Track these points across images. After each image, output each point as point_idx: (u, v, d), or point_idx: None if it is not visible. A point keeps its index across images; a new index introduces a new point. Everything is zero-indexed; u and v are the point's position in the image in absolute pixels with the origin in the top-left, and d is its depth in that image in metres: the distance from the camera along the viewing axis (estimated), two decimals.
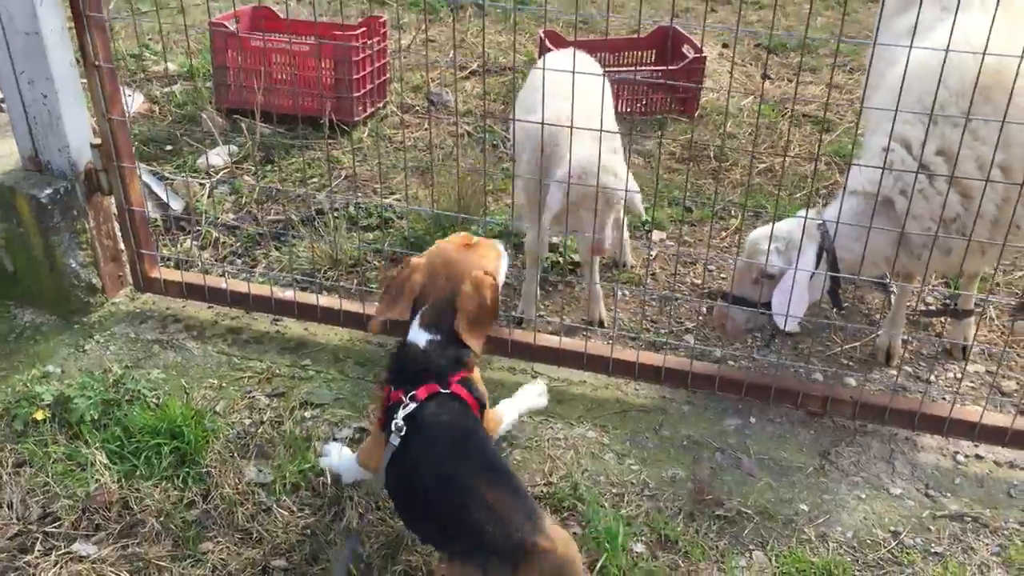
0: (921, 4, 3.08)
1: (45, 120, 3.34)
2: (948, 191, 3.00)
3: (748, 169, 5.29)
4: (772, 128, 5.96)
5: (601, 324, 3.92)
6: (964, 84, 2.99)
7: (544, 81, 3.07)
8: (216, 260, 4.27)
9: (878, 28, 3.99)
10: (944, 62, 2.82)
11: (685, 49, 6.18)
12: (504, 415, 2.91)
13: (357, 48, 5.50)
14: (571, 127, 3.04)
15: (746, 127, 5.94)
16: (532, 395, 3.08)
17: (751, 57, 7.33)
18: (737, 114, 6.14)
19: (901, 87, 2.89)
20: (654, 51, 6.38)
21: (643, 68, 6.18)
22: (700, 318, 4.04)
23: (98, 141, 3.44)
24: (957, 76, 2.99)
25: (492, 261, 2.71)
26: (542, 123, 3.11)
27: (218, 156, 5.33)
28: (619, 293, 4.17)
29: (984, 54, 2.73)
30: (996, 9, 2.87)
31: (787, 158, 5.47)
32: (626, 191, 3.32)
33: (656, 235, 4.70)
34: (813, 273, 3.16)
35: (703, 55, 5.94)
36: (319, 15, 7.44)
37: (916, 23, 2.95)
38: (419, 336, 2.56)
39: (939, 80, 2.84)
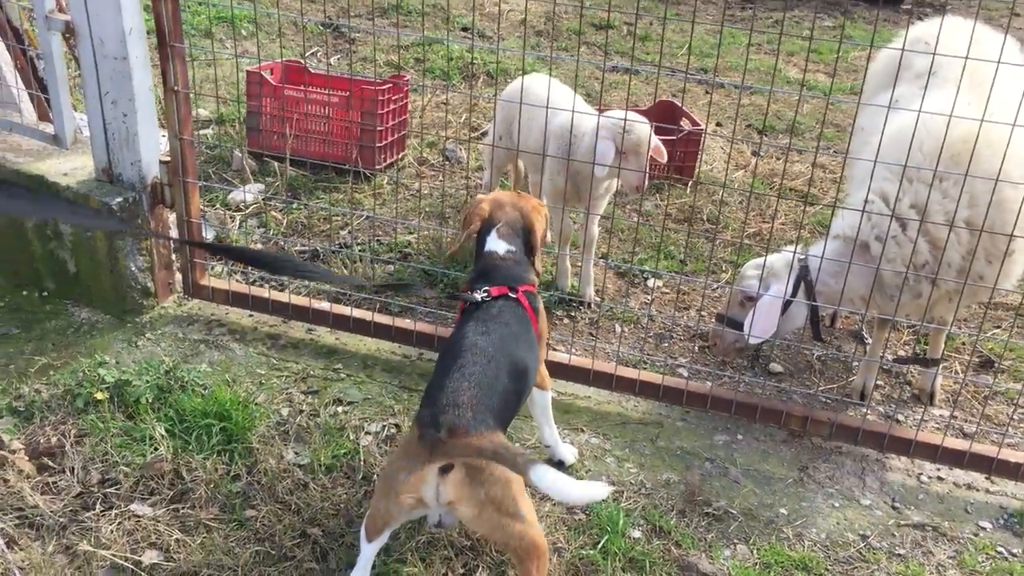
0: (897, 81, 3.58)
1: (122, 136, 3.75)
2: (918, 238, 3.44)
3: (740, 231, 5.76)
4: (761, 199, 6.45)
5: (589, 306, 4.68)
6: (936, 149, 3.46)
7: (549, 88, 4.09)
8: (246, 283, 4.64)
9: (859, 101, 4.49)
10: (915, 129, 3.30)
11: (683, 123, 6.70)
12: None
13: (383, 102, 5.98)
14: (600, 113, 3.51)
15: (737, 196, 6.43)
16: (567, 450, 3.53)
17: (743, 136, 7.88)
18: (730, 184, 6.63)
19: (877, 152, 3.36)
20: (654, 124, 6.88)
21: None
22: (692, 355, 4.44)
23: (167, 158, 3.85)
24: (931, 142, 3.46)
25: (541, 205, 3.34)
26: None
27: (249, 193, 5.74)
28: (619, 329, 4.57)
29: (950, 116, 3.18)
30: (958, 86, 3.37)
31: (774, 224, 5.95)
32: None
33: (654, 283, 5.12)
34: (790, 301, 3.59)
35: (700, 127, 6.46)
36: (339, 72, 7.95)
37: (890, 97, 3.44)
38: (498, 245, 3.13)
39: (911, 144, 3.31)
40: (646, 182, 4.27)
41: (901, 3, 11.97)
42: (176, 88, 3.70)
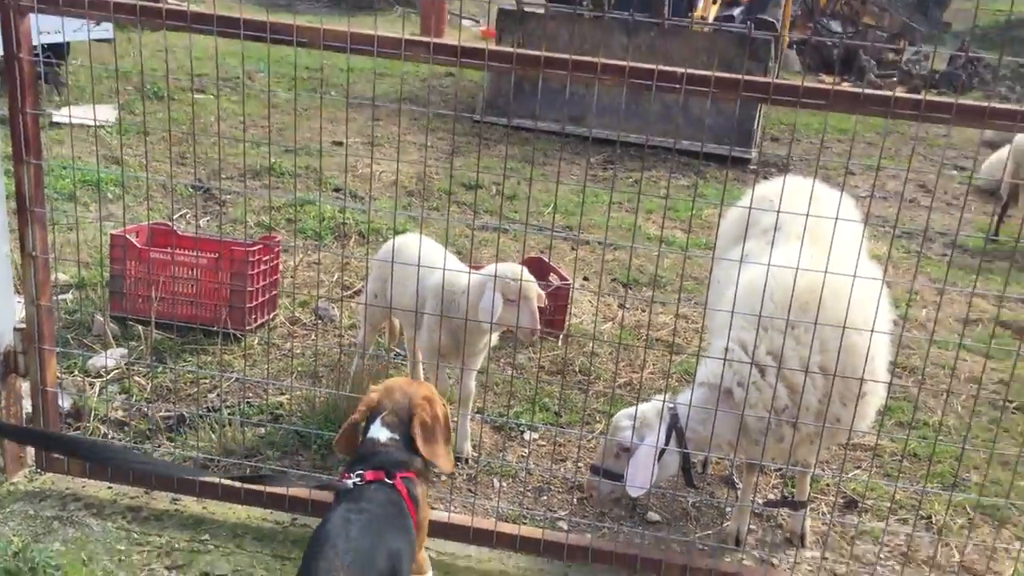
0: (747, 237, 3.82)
1: None
2: (776, 384, 3.61)
3: (611, 380, 5.89)
4: (630, 349, 6.64)
5: (467, 461, 4.64)
6: (786, 298, 3.68)
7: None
8: None
9: (713, 256, 4.76)
10: (766, 282, 3.52)
11: (552, 277, 6.92)
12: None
13: (254, 263, 5.97)
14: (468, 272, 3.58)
15: (607, 347, 6.60)
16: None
17: (609, 289, 8.17)
18: (599, 336, 6.82)
19: (733, 303, 3.56)
20: None
21: None
22: (571, 507, 4.43)
23: (23, 325, 3.70)
24: (780, 292, 3.69)
25: (434, 399, 3.23)
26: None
27: (110, 358, 5.54)
28: (497, 484, 4.54)
29: (796, 268, 3.41)
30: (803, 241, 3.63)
31: (643, 374, 6.13)
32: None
33: (530, 435, 5.15)
34: (664, 449, 3.67)
35: (568, 282, 6.68)
36: (207, 233, 7.90)
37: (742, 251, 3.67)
38: (380, 432, 3.03)
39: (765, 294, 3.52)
40: (539, 326, 4.38)
41: (748, 163, 12.88)
42: (34, 254, 3.60)
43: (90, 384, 5.18)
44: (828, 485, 4.92)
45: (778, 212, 3.79)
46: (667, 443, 3.76)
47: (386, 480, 2.89)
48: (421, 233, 4.74)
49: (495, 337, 4.78)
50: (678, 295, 7.09)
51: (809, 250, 3.78)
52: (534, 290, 4.37)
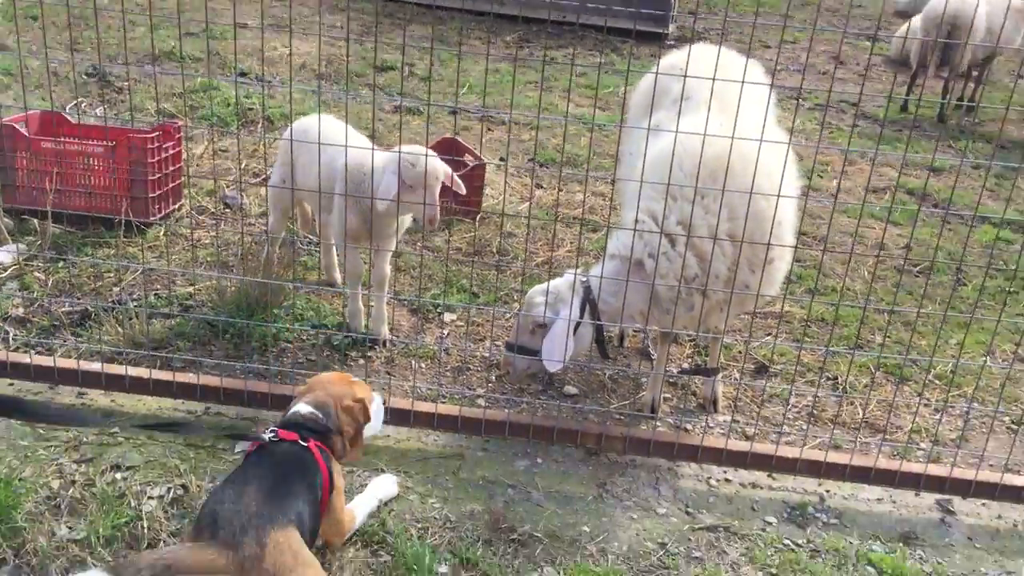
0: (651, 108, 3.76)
1: None
2: (686, 253, 3.62)
3: (524, 260, 5.88)
4: (547, 228, 6.62)
5: (384, 344, 4.59)
6: (695, 167, 3.66)
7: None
8: (11, 349, 4.26)
9: (621, 128, 4.71)
10: (674, 151, 3.48)
11: (467, 158, 6.80)
12: (357, 513, 3.21)
13: (152, 150, 5.71)
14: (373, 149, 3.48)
15: (523, 227, 6.57)
16: (384, 487, 3.43)
17: (525, 170, 8.09)
18: (515, 216, 6.77)
19: (642, 174, 3.52)
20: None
21: None
22: (489, 384, 4.46)
23: None
24: (689, 161, 3.66)
25: (365, 393, 3.18)
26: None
27: (6, 254, 5.30)
28: (415, 365, 4.53)
29: (704, 135, 3.38)
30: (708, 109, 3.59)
31: (559, 251, 6.13)
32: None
33: (448, 316, 5.13)
34: (578, 323, 3.68)
35: (482, 161, 6.57)
36: (111, 123, 7.53)
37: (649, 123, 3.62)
38: (303, 408, 2.99)
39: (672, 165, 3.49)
40: (438, 215, 4.24)
41: (665, 38, 12.74)
42: None
43: None
44: (739, 352, 5.04)
45: (684, 78, 3.74)
46: (581, 316, 3.77)
47: (299, 441, 2.86)
48: (320, 113, 4.55)
49: (408, 219, 4.68)
50: (586, 170, 7.16)
51: (717, 118, 3.74)
52: (437, 174, 4.21)
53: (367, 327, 4.74)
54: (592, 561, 3.26)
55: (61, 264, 5.17)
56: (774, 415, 4.42)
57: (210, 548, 2.34)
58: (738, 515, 3.59)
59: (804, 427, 4.29)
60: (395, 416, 3.75)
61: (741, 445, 3.75)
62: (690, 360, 4.93)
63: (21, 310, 4.76)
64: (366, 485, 3.42)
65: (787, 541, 3.46)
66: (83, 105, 8.60)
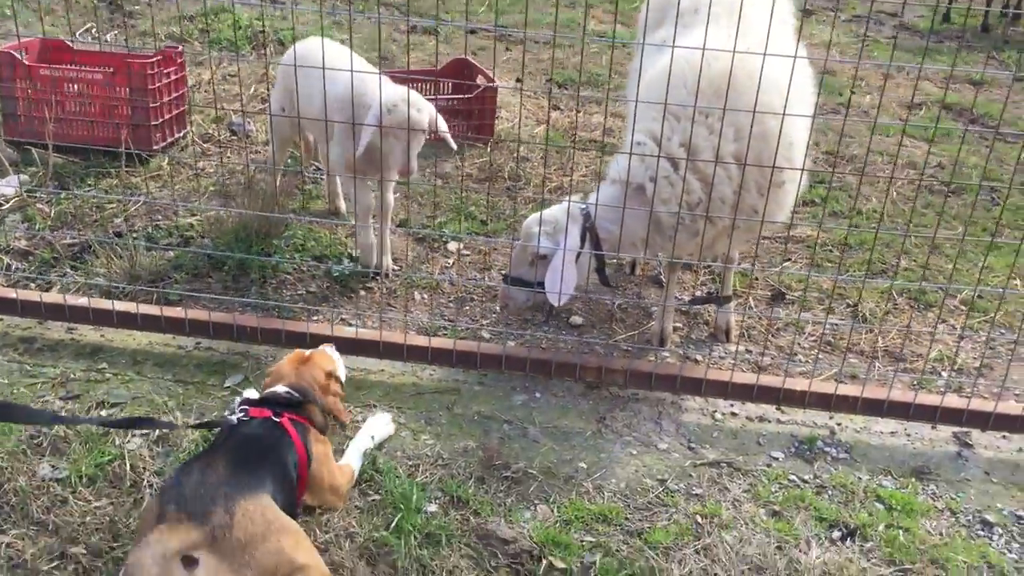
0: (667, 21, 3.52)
1: None
2: (686, 175, 3.41)
3: (541, 185, 5.68)
4: (562, 152, 6.40)
5: (387, 275, 4.50)
6: (701, 86, 3.43)
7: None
8: (7, 285, 4.20)
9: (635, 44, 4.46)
10: (672, 67, 3.26)
11: (480, 80, 6.56)
12: (353, 463, 3.10)
13: (153, 76, 5.55)
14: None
15: (538, 151, 6.35)
16: (378, 426, 3.32)
17: (543, 91, 7.82)
18: (530, 140, 6.55)
19: (637, 93, 3.30)
20: (451, 83, 6.72)
21: (440, 97, 6.48)
22: (493, 316, 4.33)
23: None
24: (692, 78, 3.43)
25: (330, 364, 3.10)
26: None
27: (9, 186, 5.22)
28: (418, 296, 4.41)
29: (703, 50, 3.15)
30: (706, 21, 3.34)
31: (574, 176, 5.92)
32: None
33: (453, 245, 4.98)
34: (579, 253, 3.51)
35: (494, 84, 6.33)
36: (114, 48, 7.37)
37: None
38: (279, 389, 2.90)
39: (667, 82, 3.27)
40: (414, 167, 4.06)
41: None
42: None
43: None
44: (757, 279, 4.85)
45: None
46: (581, 246, 3.59)
47: (272, 418, 2.75)
48: (322, 37, 4.35)
49: (417, 147, 4.41)
50: (606, 92, 6.88)
51: (727, 32, 3.50)
52: (418, 123, 3.98)
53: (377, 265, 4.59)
54: (588, 498, 3.15)
55: (63, 196, 5.08)
56: (790, 345, 4.24)
57: (178, 526, 2.23)
58: (743, 450, 3.46)
59: (820, 357, 4.13)
60: (388, 351, 3.64)
61: (747, 377, 3.59)
62: (704, 288, 4.75)
63: (24, 242, 4.69)
64: (359, 424, 3.33)
65: (792, 477, 3.32)
66: (93, 31, 8.45)
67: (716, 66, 3.34)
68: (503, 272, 4.13)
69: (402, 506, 2.97)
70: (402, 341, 3.61)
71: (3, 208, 5.00)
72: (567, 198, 3.66)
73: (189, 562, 2.17)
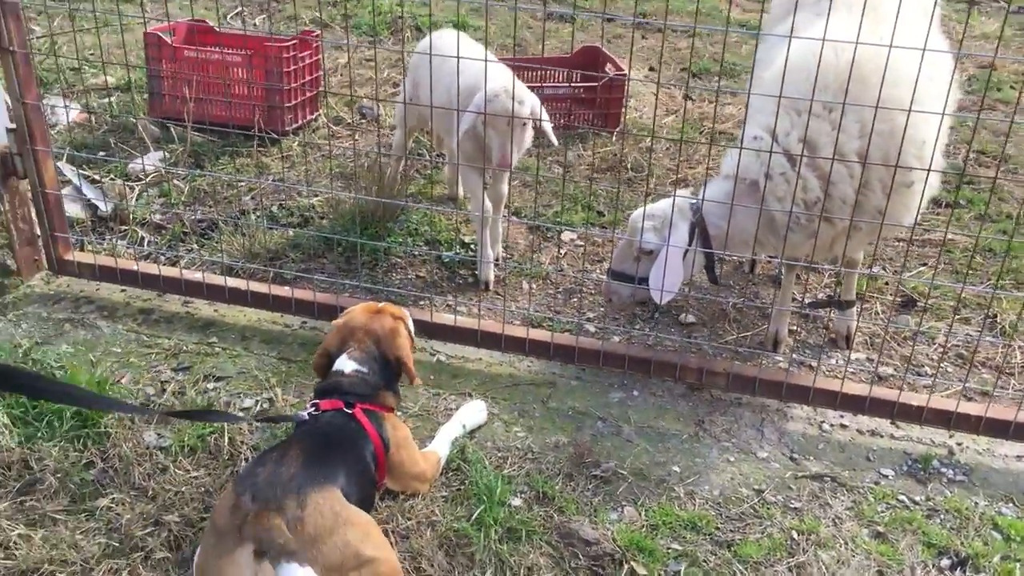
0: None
1: None
2: (802, 171, 3.23)
3: (665, 178, 5.54)
4: (690, 144, 6.22)
5: (496, 264, 4.39)
6: (826, 79, 3.24)
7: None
8: (140, 257, 4.39)
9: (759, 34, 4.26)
10: (786, 59, 3.08)
11: (608, 68, 6.45)
12: (440, 450, 3.09)
13: (288, 60, 5.70)
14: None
15: (666, 143, 6.20)
16: (471, 414, 3.31)
17: (677, 80, 7.63)
18: (658, 131, 6.40)
19: (750, 84, 3.14)
20: (579, 72, 6.62)
21: (566, 85, 6.40)
22: (601, 309, 4.24)
23: (13, 125, 3.59)
24: (820, 72, 3.23)
25: (399, 312, 3.10)
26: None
27: (150, 162, 5.47)
28: (526, 286, 4.37)
29: (822, 40, 2.96)
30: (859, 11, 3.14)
31: (701, 169, 5.74)
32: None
33: (567, 235, 4.91)
34: (687, 249, 3.38)
35: (622, 73, 6.20)
36: (260, 31, 7.64)
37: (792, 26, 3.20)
38: (345, 364, 2.89)
39: (783, 76, 3.09)
40: (509, 159, 3.90)
41: None
42: (12, 48, 3.42)
43: (130, 188, 5.14)
44: (887, 284, 4.58)
45: None
46: (690, 242, 3.46)
47: (344, 410, 2.75)
48: (456, 27, 4.34)
49: (528, 139, 4.33)
50: (748, 83, 6.64)
51: (860, 20, 3.28)
52: (518, 115, 3.86)
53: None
54: (678, 504, 3.04)
55: (198, 174, 5.29)
56: (916, 355, 3.98)
57: (251, 518, 2.26)
58: (849, 465, 3.26)
59: (950, 370, 3.86)
60: (487, 340, 3.61)
61: (859, 388, 3.38)
62: (827, 291, 4.52)
63: (158, 216, 4.91)
64: (452, 411, 3.32)
65: (902, 497, 3.11)
66: (243, 14, 8.78)
67: (844, 58, 3.15)
68: (608, 267, 4.03)
69: (485, 498, 2.93)
70: (500, 331, 3.58)
71: (142, 183, 5.25)
72: (680, 192, 3.53)
73: (260, 555, 2.20)
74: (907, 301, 4.45)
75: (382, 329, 2.97)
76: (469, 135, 4.03)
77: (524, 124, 3.96)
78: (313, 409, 2.76)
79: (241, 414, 3.30)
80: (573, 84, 6.30)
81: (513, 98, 3.81)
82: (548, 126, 4.09)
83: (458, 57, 3.42)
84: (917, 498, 3.11)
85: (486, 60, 3.60)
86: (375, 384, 2.88)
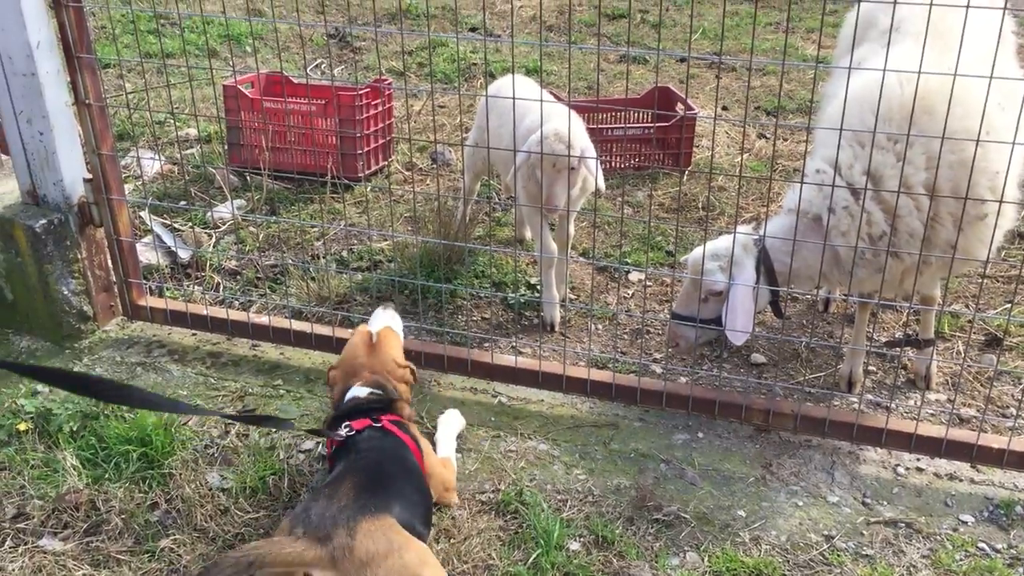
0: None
1: (42, 156, 3.65)
2: (866, 204, 3.12)
3: (734, 217, 5.45)
4: (763, 183, 6.12)
5: (563, 305, 4.34)
6: (890, 110, 3.15)
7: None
8: (215, 302, 4.50)
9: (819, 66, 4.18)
10: (845, 90, 3.00)
11: (679, 108, 6.41)
12: (452, 459, 3.20)
13: (360, 108, 5.83)
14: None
15: (736, 181, 6.10)
16: (453, 424, 3.40)
17: (750, 119, 7.53)
18: (730, 169, 6.31)
19: (809, 119, 3.06)
20: (648, 112, 6.60)
21: (635, 126, 6.38)
22: (669, 351, 4.16)
23: (90, 176, 3.73)
24: (884, 103, 3.15)
25: (395, 349, 3.20)
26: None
27: (227, 210, 5.63)
28: (592, 327, 4.33)
29: (883, 71, 2.89)
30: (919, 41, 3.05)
31: (769, 208, 5.63)
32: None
33: (635, 275, 4.86)
34: (756, 287, 3.29)
35: (693, 112, 6.16)
36: (341, 81, 7.83)
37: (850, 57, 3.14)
38: (360, 391, 3.00)
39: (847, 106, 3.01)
40: (557, 203, 3.87)
41: None
42: (88, 102, 3.58)
43: (207, 235, 5.28)
44: (969, 322, 4.39)
45: (894, 4, 3.22)
46: (756, 280, 3.38)
47: (374, 424, 2.84)
48: (523, 72, 4.38)
49: (580, 182, 4.28)
50: (810, 116, 6.52)
51: (930, 50, 3.19)
52: (560, 161, 3.81)
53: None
54: (743, 550, 2.93)
55: (272, 220, 5.41)
56: (1001, 396, 3.80)
57: (298, 541, 2.29)
58: (926, 510, 3.10)
59: None
60: (547, 381, 3.58)
61: (935, 430, 3.23)
62: (906, 329, 4.35)
63: (234, 262, 5.03)
64: (513, 453, 3.29)
65: (982, 544, 2.94)
66: (323, 66, 9.03)
67: (908, 88, 3.06)
68: (671, 309, 3.95)
69: (543, 542, 2.88)
70: (561, 372, 3.54)
71: (220, 230, 5.40)
72: (740, 228, 3.45)
73: None
74: (992, 340, 4.26)
75: (385, 365, 3.09)
76: (528, 176, 4.03)
77: (574, 167, 3.89)
78: (348, 430, 2.81)
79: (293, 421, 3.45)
80: (643, 124, 6.27)
81: (564, 141, 3.78)
82: (594, 168, 4.01)
83: (514, 98, 3.43)
84: (999, 546, 2.94)
85: (541, 101, 3.60)
86: (391, 399, 3.01)
